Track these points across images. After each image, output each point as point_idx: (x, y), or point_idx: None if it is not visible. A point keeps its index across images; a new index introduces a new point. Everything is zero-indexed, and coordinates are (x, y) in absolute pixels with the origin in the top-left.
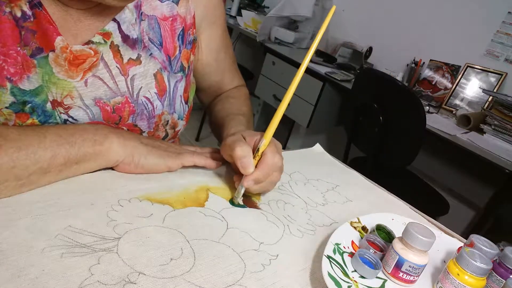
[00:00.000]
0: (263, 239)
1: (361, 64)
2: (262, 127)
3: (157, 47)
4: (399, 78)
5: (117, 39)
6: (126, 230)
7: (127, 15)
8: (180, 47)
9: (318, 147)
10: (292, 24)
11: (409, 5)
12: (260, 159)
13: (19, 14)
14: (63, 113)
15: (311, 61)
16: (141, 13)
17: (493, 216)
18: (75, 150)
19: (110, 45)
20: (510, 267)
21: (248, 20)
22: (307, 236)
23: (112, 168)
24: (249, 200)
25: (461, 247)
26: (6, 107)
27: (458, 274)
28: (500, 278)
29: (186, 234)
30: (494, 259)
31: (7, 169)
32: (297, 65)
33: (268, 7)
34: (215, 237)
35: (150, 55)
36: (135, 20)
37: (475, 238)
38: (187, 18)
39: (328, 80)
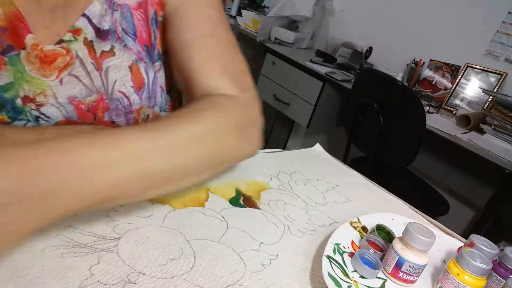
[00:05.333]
0: (263, 239)
1: (361, 64)
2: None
3: (131, 37)
4: (399, 78)
5: (90, 34)
6: (126, 230)
7: (96, 7)
8: (154, 32)
9: (318, 147)
10: (292, 24)
11: (409, 5)
12: None
13: None
14: (35, 110)
15: (311, 61)
16: (113, 3)
17: (493, 216)
18: None
19: (84, 42)
20: (510, 267)
21: (248, 20)
22: (307, 236)
23: None
24: (249, 200)
25: (461, 247)
26: None
27: (458, 274)
28: (500, 278)
29: (186, 234)
30: (494, 259)
31: None
32: (297, 65)
33: (268, 7)
34: (215, 237)
35: (124, 46)
36: (106, 11)
37: (475, 238)
38: None
39: (328, 80)
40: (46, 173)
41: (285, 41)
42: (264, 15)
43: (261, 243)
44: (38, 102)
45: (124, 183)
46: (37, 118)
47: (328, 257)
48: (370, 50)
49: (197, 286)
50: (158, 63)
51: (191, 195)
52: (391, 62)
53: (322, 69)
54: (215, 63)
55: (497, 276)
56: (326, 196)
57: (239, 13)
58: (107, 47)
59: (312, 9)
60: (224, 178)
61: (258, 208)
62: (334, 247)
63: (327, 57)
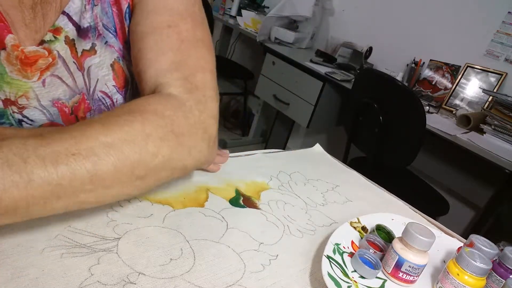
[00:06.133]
0: (263, 239)
1: (361, 64)
2: (262, 127)
3: (112, 34)
4: (399, 78)
5: (71, 32)
6: (126, 230)
7: (76, 4)
8: (128, 27)
9: (318, 147)
10: (292, 24)
11: (409, 5)
12: None
13: None
14: (17, 113)
15: (311, 61)
16: None
17: (493, 216)
18: None
19: (65, 41)
20: (510, 267)
21: (248, 20)
22: (307, 236)
23: None
24: (249, 200)
25: (461, 247)
26: None
27: (458, 274)
28: (500, 278)
29: (186, 234)
30: (494, 259)
31: None
32: (297, 65)
33: (268, 7)
34: (215, 237)
35: (105, 43)
36: (85, 7)
37: (475, 238)
38: None
39: (328, 80)
40: None
41: (285, 41)
42: (264, 15)
43: (261, 243)
44: (20, 104)
45: (35, 193)
46: (20, 122)
47: (328, 257)
48: (370, 50)
49: (197, 286)
50: None
51: (190, 196)
52: (391, 62)
53: (322, 69)
54: (166, 56)
55: (497, 276)
56: (326, 196)
57: (239, 13)
58: (87, 46)
59: (312, 9)
60: (224, 178)
61: (258, 208)
62: (334, 247)
63: (327, 57)
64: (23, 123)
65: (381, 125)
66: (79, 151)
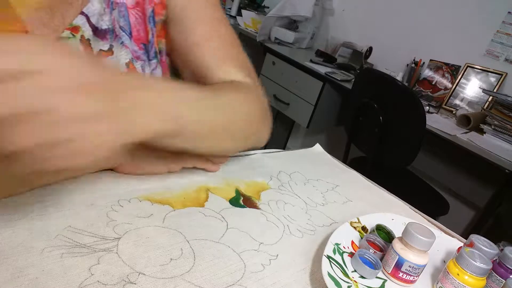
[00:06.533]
0: (263, 239)
1: (361, 64)
2: None
3: (127, 35)
4: (399, 78)
5: (87, 32)
6: (126, 230)
7: (95, 6)
8: (152, 30)
9: (318, 147)
10: (292, 24)
11: (409, 5)
12: None
13: None
14: None
15: (311, 61)
16: (112, 2)
17: (493, 216)
18: None
19: (80, 39)
20: (510, 267)
21: (248, 20)
22: (307, 236)
23: (112, 169)
24: (249, 200)
25: (461, 247)
26: None
27: (458, 274)
28: (500, 278)
29: (186, 234)
30: (494, 259)
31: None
32: (297, 65)
33: (268, 7)
34: (215, 237)
35: (121, 43)
36: (104, 10)
37: (475, 238)
38: None
39: (328, 80)
40: (131, 97)
41: (285, 41)
42: (264, 15)
43: (261, 243)
44: None
45: (186, 123)
46: None
47: (328, 257)
48: (370, 50)
49: (197, 286)
50: (154, 61)
51: (190, 196)
52: (391, 62)
53: (322, 69)
54: (228, 60)
55: (497, 276)
56: (326, 196)
57: (239, 13)
58: (105, 47)
59: (312, 9)
60: (224, 178)
61: (258, 208)
62: (334, 247)
63: (327, 57)
64: None
65: (381, 125)
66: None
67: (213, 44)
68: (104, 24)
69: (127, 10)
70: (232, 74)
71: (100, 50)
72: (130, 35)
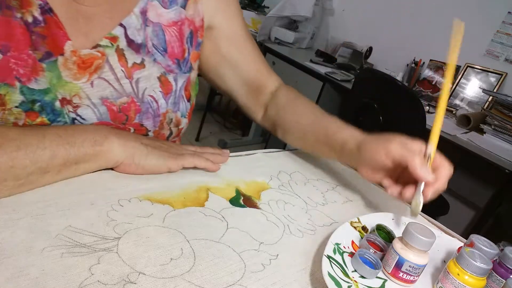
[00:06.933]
0: (263, 239)
1: (361, 64)
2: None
3: (160, 53)
4: (399, 78)
5: (122, 43)
6: (126, 230)
7: (133, 20)
8: (189, 49)
9: None
10: (292, 24)
11: (409, 5)
12: (433, 167)
13: (30, 19)
14: (72, 112)
15: (311, 61)
16: (146, 19)
17: (493, 216)
18: (75, 150)
19: (116, 49)
20: (510, 267)
21: (248, 20)
22: (307, 236)
23: (112, 168)
24: (249, 200)
25: (461, 247)
26: (16, 106)
27: (458, 274)
28: (500, 278)
29: (186, 234)
30: (494, 259)
31: (6, 168)
32: (297, 65)
33: (268, 7)
34: (215, 237)
35: (154, 60)
36: (140, 25)
37: (475, 238)
38: (195, 21)
39: (328, 80)
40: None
41: (285, 41)
42: (264, 15)
43: (261, 243)
44: (75, 103)
45: None
46: (73, 120)
47: (328, 257)
48: (370, 50)
49: (197, 286)
50: (187, 74)
51: (191, 195)
52: (391, 62)
53: (322, 69)
54: (270, 70)
55: (497, 276)
56: (326, 196)
57: None
58: (138, 60)
59: (312, 9)
60: (224, 178)
61: (258, 208)
62: (334, 247)
63: (327, 57)
64: (75, 121)
65: (381, 125)
66: None
67: (260, 58)
68: (139, 39)
69: (163, 28)
70: (276, 81)
71: (134, 63)
72: (165, 51)
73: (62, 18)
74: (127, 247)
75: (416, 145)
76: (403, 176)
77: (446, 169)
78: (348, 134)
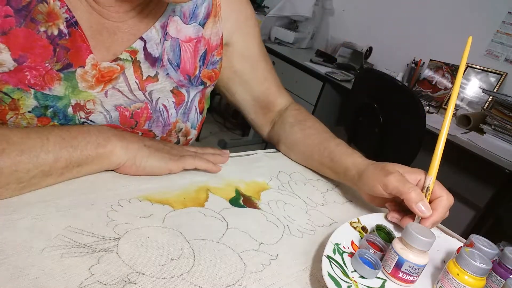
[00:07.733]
0: (263, 239)
1: (361, 64)
2: None
3: (173, 68)
4: (399, 78)
5: (140, 55)
6: (126, 230)
7: (153, 34)
8: (200, 67)
9: None
10: (292, 24)
11: (409, 5)
12: (432, 199)
13: (56, 32)
14: (84, 118)
15: (311, 61)
16: (166, 34)
17: (493, 216)
18: (78, 153)
19: (133, 61)
20: (510, 267)
21: None
22: (307, 236)
23: (112, 169)
24: (249, 200)
25: (461, 247)
26: (29, 111)
27: (458, 274)
28: (500, 278)
29: (186, 234)
30: (494, 259)
31: (9, 172)
32: (297, 65)
33: (268, 7)
34: (215, 237)
35: (167, 74)
36: (160, 39)
37: (475, 238)
38: (212, 40)
39: (328, 80)
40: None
41: (285, 41)
42: (264, 15)
43: (261, 243)
44: (88, 109)
45: None
46: (83, 123)
47: (328, 257)
48: (370, 50)
49: (197, 286)
50: (200, 87)
51: (191, 196)
52: (391, 62)
53: (322, 69)
54: (281, 88)
55: (497, 276)
56: (326, 196)
57: None
58: (152, 73)
59: (312, 9)
60: (224, 178)
61: (258, 208)
62: (334, 247)
63: (327, 57)
64: (85, 123)
65: (381, 125)
66: None
67: (272, 77)
68: (157, 52)
69: (180, 44)
70: (286, 100)
71: (148, 76)
72: (178, 66)
73: (86, 32)
74: (127, 248)
75: (414, 175)
76: (404, 203)
77: (444, 201)
78: (351, 161)
